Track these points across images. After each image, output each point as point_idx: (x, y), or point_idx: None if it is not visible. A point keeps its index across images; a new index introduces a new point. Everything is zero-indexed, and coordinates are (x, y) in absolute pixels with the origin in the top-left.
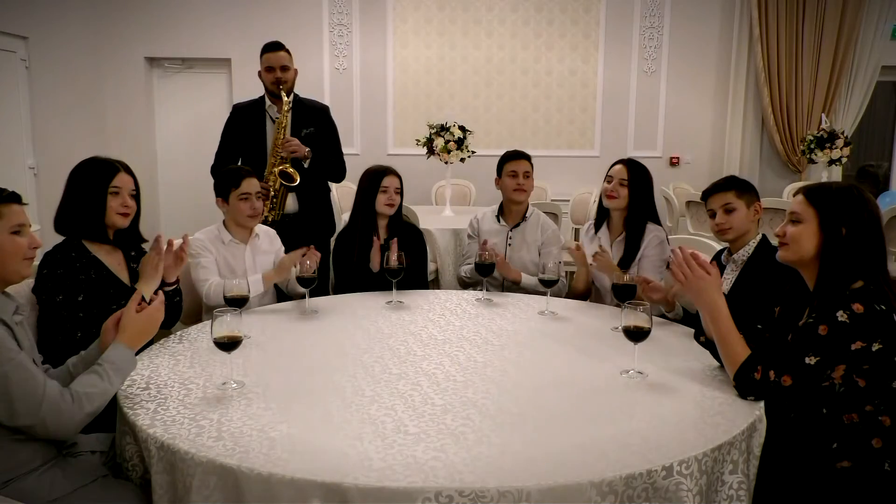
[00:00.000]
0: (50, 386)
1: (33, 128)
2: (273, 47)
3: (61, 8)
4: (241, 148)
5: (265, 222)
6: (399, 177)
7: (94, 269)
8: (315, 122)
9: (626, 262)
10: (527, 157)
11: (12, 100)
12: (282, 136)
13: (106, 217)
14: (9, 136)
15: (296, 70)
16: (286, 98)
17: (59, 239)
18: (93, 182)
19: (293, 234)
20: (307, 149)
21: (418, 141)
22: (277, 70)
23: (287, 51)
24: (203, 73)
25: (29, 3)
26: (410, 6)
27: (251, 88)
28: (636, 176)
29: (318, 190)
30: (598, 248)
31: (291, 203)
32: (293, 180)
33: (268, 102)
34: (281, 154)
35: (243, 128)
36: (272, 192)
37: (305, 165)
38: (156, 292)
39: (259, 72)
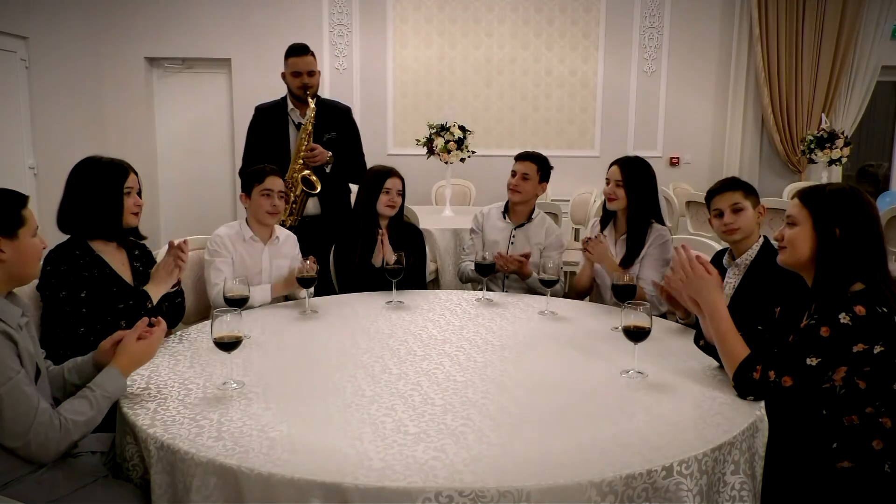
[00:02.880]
0: (41, 411)
1: (33, 128)
2: (299, 51)
3: (61, 8)
4: (263, 150)
5: (283, 227)
6: (402, 179)
7: (98, 267)
8: (337, 124)
9: (628, 261)
10: (530, 159)
11: (12, 100)
12: (306, 143)
13: (123, 217)
14: (9, 136)
15: (319, 72)
16: (312, 104)
17: (60, 237)
18: (108, 184)
19: (314, 236)
20: (330, 154)
21: (418, 141)
22: (304, 75)
23: (313, 54)
24: (203, 73)
25: (29, 3)
26: (410, 6)
27: (251, 88)
28: (631, 175)
29: (339, 193)
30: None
31: (313, 206)
32: (315, 188)
33: (290, 105)
34: (304, 160)
35: (266, 130)
36: (292, 198)
37: (328, 170)
38: None
39: (283, 74)
